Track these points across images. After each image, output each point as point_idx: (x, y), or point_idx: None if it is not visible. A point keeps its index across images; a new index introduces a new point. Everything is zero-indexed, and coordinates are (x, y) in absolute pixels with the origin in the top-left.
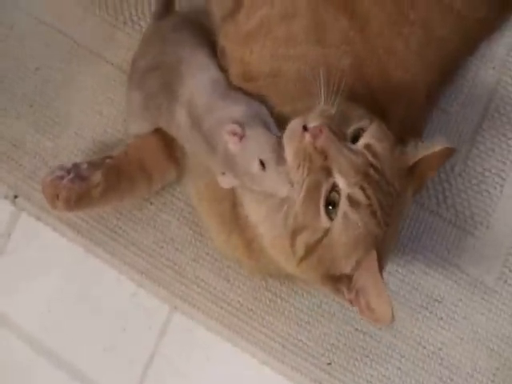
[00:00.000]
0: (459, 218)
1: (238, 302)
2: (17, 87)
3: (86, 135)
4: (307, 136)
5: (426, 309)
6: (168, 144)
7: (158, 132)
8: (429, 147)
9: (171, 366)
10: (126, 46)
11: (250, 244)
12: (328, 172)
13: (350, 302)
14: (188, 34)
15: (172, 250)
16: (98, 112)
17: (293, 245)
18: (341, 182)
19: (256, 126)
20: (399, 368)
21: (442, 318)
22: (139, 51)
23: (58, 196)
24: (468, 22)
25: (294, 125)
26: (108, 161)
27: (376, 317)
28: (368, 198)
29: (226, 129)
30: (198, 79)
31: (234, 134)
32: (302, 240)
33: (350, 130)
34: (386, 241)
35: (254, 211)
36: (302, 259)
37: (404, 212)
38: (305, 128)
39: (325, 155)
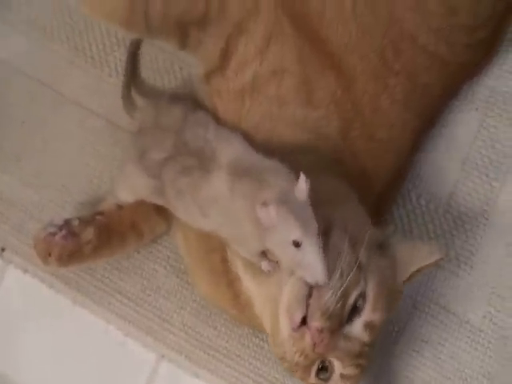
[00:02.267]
0: (444, 258)
1: (226, 348)
2: (3, 141)
3: (72, 187)
4: (307, 337)
5: (413, 349)
6: None
7: None
8: (423, 257)
9: None
10: (112, 96)
11: (237, 296)
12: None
13: None
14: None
15: (159, 298)
16: (85, 164)
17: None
18: (336, 364)
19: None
20: None
21: (427, 358)
22: (147, 141)
23: (50, 253)
24: (452, 66)
25: (293, 306)
26: (99, 217)
27: None
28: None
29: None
30: (235, 140)
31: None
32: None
33: (348, 308)
34: None
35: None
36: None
37: None
38: (304, 320)
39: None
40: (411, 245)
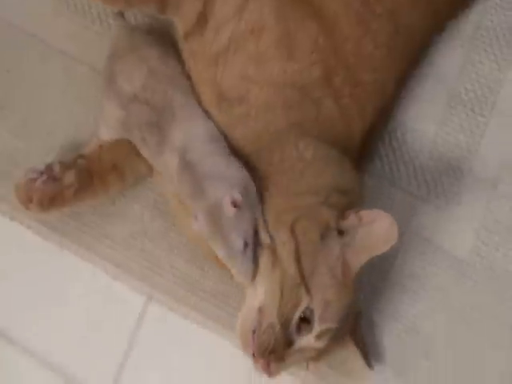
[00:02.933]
0: (431, 194)
1: (213, 288)
2: None
3: (57, 134)
4: (260, 368)
5: (401, 284)
6: None
7: None
8: (380, 245)
9: (149, 356)
10: (95, 44)
11: None
12: None
13: None
14: (174, 65)
15: (146, 241)
16: (70, 110)
17: None
18: None
19: (249, 204)
20: (377, 343)
21: (416, 292)
22: (118, 64)
23: (31, 199)
24: (436, 4)
25: (243, 343)
26: (80, 161)
27: None
28: None
29: (232, 195)
30: (196, 126)
31: (235, 202)
32: None
33: (293, 328)
34: None
35: None
36: None
37: None
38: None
39: None
40: (368, 231)
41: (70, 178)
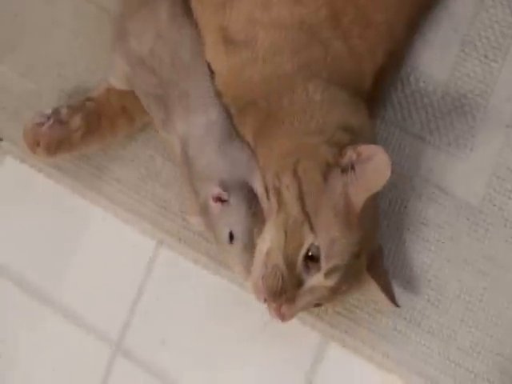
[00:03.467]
0: (443, 141)
1: None
2: None
3: (68, 75)
4: (272, 312)
5: (413, 232)
6: None
7: None
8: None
9: (159, 301)
10: None
11: None
12: None
13: None
14: (186, 32)
15: (157, 186)
16: (80, 51)
17: None
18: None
19: (240, 196)
20: None
21: (428, 241)
22: (129, 22)
23: (38, 143)
24: None
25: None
26: (88, 103)
27: None
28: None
29: (213, 191)
30: (196, 119)
31: (219, 198)
32: None
33: (300, 268)
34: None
35: None
36: None
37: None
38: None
39: None
40: (365, 167)
41: (77, 121)
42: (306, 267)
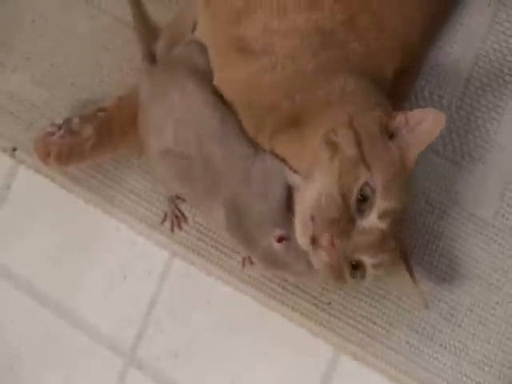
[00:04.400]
0: (456, 154)
1: None
2: (13, 40)
3: (82, 85)
4: (323, 255)
5: (426, 246)
6: None
7: None
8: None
9: (172, 312)
10: None
11: None
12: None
13: None
14: (209, 100)
15: None
16: (95, 62)
17: None
18: (364, 258)
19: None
20: (398, 304)
21: (442, 254)
22: (148, 118)
23: (49, 153)
24: None
25: (300, 233)
26: (100, 114)
27: None
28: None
29: (274, 234)
30: (236, 175)
31: (281, 238)
32: None
33: (354, 204)
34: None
35: None
36: None
37: None
38: (313, 240)
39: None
40: (415, 129)
41: (88, 131)
42: (359, 210)
